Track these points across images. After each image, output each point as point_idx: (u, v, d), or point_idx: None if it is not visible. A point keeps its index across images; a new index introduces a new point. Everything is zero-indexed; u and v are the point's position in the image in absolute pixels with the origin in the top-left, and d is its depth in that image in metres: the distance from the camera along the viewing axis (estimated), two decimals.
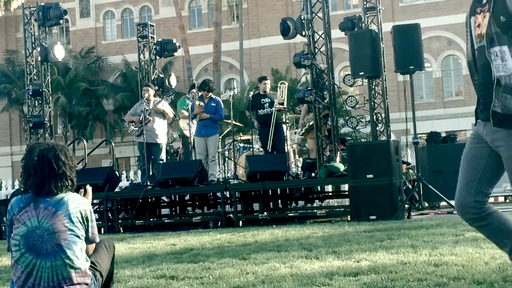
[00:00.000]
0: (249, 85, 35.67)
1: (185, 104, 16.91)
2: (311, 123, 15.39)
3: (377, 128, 16.65)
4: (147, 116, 14.66)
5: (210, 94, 14.82)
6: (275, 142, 15.46)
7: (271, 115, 15.44)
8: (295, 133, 17.40)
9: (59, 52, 16.48)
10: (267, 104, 15.67)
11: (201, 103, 14.60)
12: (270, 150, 15.34)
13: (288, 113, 16.67)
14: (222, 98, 17.15)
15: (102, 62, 46.21)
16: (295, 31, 15.00)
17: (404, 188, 13.22)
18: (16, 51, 45.30)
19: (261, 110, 15.71)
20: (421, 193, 13.95)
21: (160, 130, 15.05)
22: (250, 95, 16.97)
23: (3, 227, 13.38)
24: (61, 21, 16.81)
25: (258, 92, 16.34)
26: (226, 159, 17.26)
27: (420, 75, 38.79)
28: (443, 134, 17.71)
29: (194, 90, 15.97)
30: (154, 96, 15.61)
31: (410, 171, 15.59)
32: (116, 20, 47.21)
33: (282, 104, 15.71)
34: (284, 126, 15.89)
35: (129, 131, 15.27)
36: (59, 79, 41.65)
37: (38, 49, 16.51)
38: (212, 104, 14.69)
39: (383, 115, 16.90)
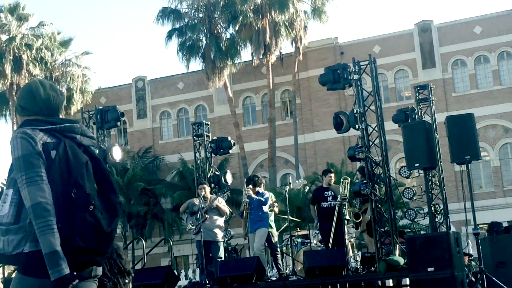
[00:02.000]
0: (305, 180, 35.63)
1: None
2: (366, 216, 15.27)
3: (436, 220, 16.39)
4: (203, 214, 14.71)
5: (256, 188, 15.07)
6: (337, 237, 15.25)
7: (334, 208, 15.31)
8: (353, 226, 17.22)
9: (117, 154, 16.76)
10: (330, 197, 15.55)
11: (247, 200, 14.99)
12: (331, 246, 15.12)
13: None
14: (295, 187, 17.23)
15: (159, 162, 46.84)
16: (348, 125, 15.06)
17: (467, 280, 12.88)
18: None
19: (324, 203, 15.53)
20: (485, 285, 13.56)
21: (217, 227, 15.08)
22: (306, 189, 16.86)
23: None
24: (118, 123, 17.21)
25: (321, 185, 16.35)
26: (284, 255, 17.10)
27: (478, 164, 38.31)
28: (505, 224, 17.27)
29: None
30: (210, 193, 15.73)
31: (473, 263, 15.23)
32: (172, 120, 48.08)
33: (345, 199, 15.59)
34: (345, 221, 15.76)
35: (186, 230, 15.33)
36: (117, 180, 42.26)
37: (97, 151, 16.86)
38: (259, 198, 15.03)
39: (441, 206, 16.66)
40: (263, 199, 15.14)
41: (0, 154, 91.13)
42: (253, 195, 15.10)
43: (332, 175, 16.15)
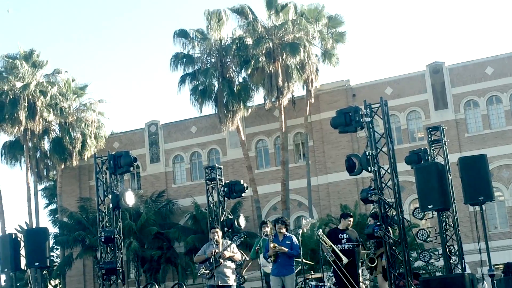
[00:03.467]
0: (319, 222, 35.48)
1: (262, 243, 16.84)
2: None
3: (451, 261, 16.31)
4: (217, 259, 14.65)
5: (284, 230, 14.99)
6: (352, 279, 15.14)
7: (348, 251, 15.23)
8: (367, 269, 17.12)
9: (130, 199, 16.85)
10: (345, 239, 15.49)
11: (275, 245, 14.74)
12: None
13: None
14: (304, 227, 17.15)
15: (173, 205, 46.80)
16: (360, 167, 15.08)
17: None
18: (89, 199, 46.41)
19: (338, 245, 15.49)
20: None
21: (231, 272, 15.01)
22: (320, 232, 16.74)
23: None
24: (131, 168, 17.29)
25: (336, 227, 16.29)
26: None
27: (492, 204, 38.11)
28: None
29: (267, 229, 16.01)
30: (223, 237, 15.68)
31: None
32: (185, 164, 48.16)
33: (356, 244, 15.55)
34: (359, 263, 15.67)
35: (199, 274, 15.26)
36: (131, 224, 42.24)
37: (110, 196, 16.91)
38: (287, 242, 14.88)
39: (456, 247, 16.58)
40: (295, 252, 15.02)
41: (16, 200, 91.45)
42: (284, 249, 14.90)
43: (351, 219, 16.05)
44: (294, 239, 15.08)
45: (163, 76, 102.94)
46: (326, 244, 15.27)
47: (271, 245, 14.79)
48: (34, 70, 48.13)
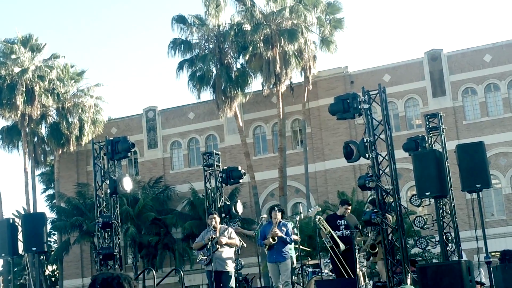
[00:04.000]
0: (319, 206, 35.48)
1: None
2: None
3: (448, 248, 16.34)
4: (215, 245, 14.66)
5: (279, 217, 15.10)
6: (349, 266, 15.20)
7: (346, 237, 15.26)
8: (364, 256, 17.16)
9: (127, 184, 16.85)
10: (343, 226, 15.53)
11: (273, 234, 14.88)
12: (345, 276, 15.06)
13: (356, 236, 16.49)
14: (310, 214, 17.21)
15: (170, 191, 46.85)
16: (358, 154, 15.08)
17: None
18: (87, 184, 46.43)
19: (336, 231, 15.51)
20: None
21: (228, 257, 15.02)
22: (317, 218, 16.73)
23: None
24: (129, 154, 17.29)
25: (334, 213, 16.31)
26: (295, 284, 17.04)
27: (489, 192, 38.20)
28: None
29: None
30: (221, 223, 15.70)
31: None
32: (182, 150, 48.16)
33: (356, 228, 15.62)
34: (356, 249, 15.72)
35: (197, 260, 15.28)
36: (128, 210, 42.26)
37: (107, 181, 16.91)
38: (282, 228, 14.97)
39: (453, 235, 16.62)
40: (288, 239, 15.16)
41: (13, 185, 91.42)
42: (279, 234, 15.06)
43: (350, 207, 16.09)
44: (289, 226, 15.19)
45: (161, 62, 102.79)
46: (326, 229, 15.31)
47: (270, 239, 14.96)
48: (32, 55, 48.03)
